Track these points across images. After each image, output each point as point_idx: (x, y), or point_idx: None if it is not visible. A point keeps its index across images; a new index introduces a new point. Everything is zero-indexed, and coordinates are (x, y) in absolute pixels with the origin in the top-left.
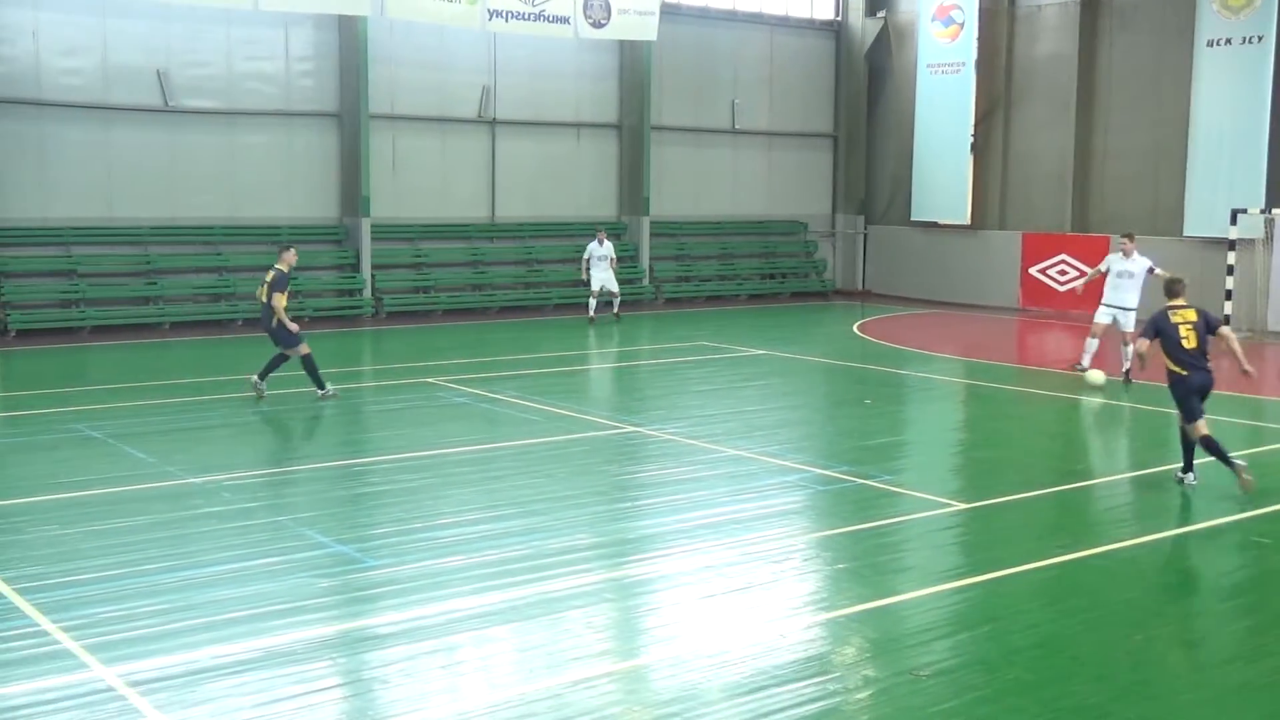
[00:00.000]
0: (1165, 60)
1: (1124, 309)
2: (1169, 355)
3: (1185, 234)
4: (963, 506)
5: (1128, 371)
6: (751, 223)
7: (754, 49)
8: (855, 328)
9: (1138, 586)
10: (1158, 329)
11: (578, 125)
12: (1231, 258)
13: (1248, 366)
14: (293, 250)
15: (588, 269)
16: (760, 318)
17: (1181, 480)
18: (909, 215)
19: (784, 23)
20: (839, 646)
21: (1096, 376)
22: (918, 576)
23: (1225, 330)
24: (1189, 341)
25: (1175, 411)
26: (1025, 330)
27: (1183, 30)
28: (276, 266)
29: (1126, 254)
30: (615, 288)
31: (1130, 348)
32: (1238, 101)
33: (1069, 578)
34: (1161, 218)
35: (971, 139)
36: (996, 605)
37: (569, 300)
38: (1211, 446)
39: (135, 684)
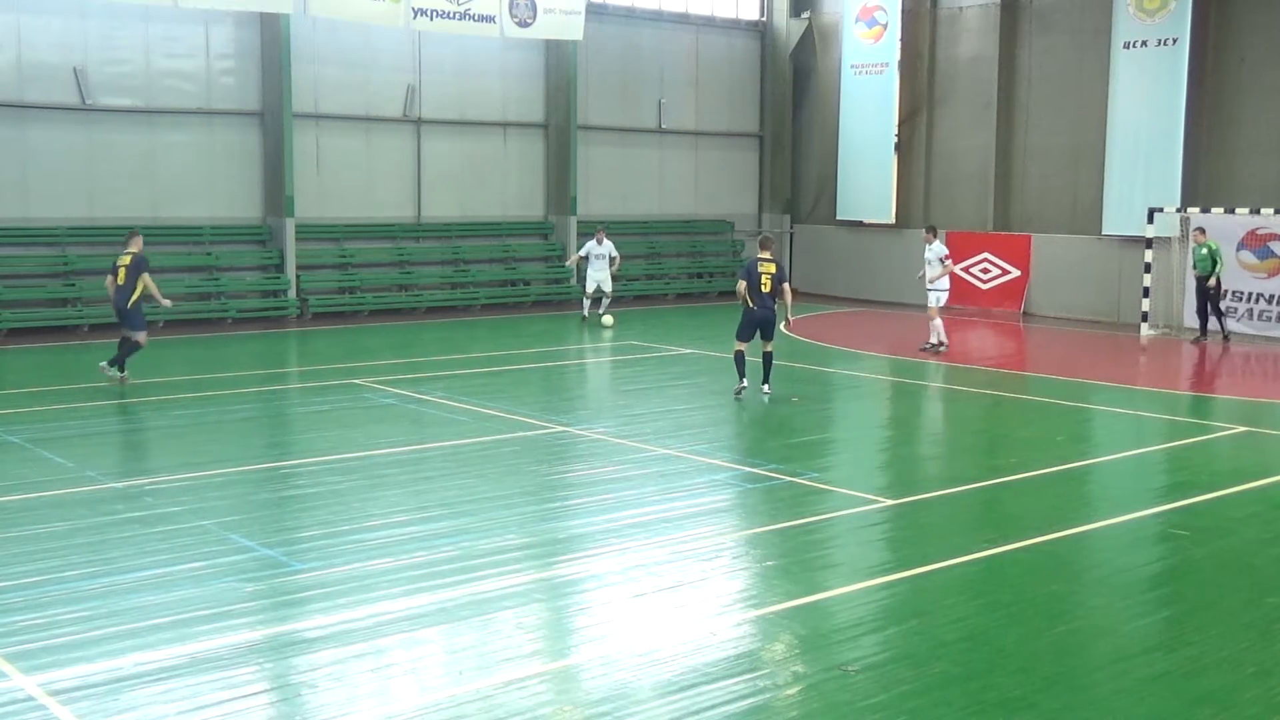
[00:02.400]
0: (1083, 62)
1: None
2: (750, 293)
3: (1104, 232)
4: (890, 503)
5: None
6: (678, 222)
7: (680, 49)
8: (782, 326)
9: (1061, 579)
10: (748, 273)
11: (504, 125)
12: (1149, 256)
13: (790, 317)
14: (140, 236)
15: (580, 265)
16: (688, 317)
17: (738, 393)
18: (834, 214)
19: (710, 23)
20: (769, 643)
21: (607, 319)
22: (846, 572)
23: (787, 286)
24: (765, 286)
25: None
26: (949, 328)
27: (1100, 32)
28: (130, 251)
29: (928, 244)
30: (609, 288)
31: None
32: (1154, 102)
33: (994, 572)
34: (1080, 216)
35: (895, 139)
36: (923, 600)
37: (495, 300)
38: (738, 359)
39: (56, 693)
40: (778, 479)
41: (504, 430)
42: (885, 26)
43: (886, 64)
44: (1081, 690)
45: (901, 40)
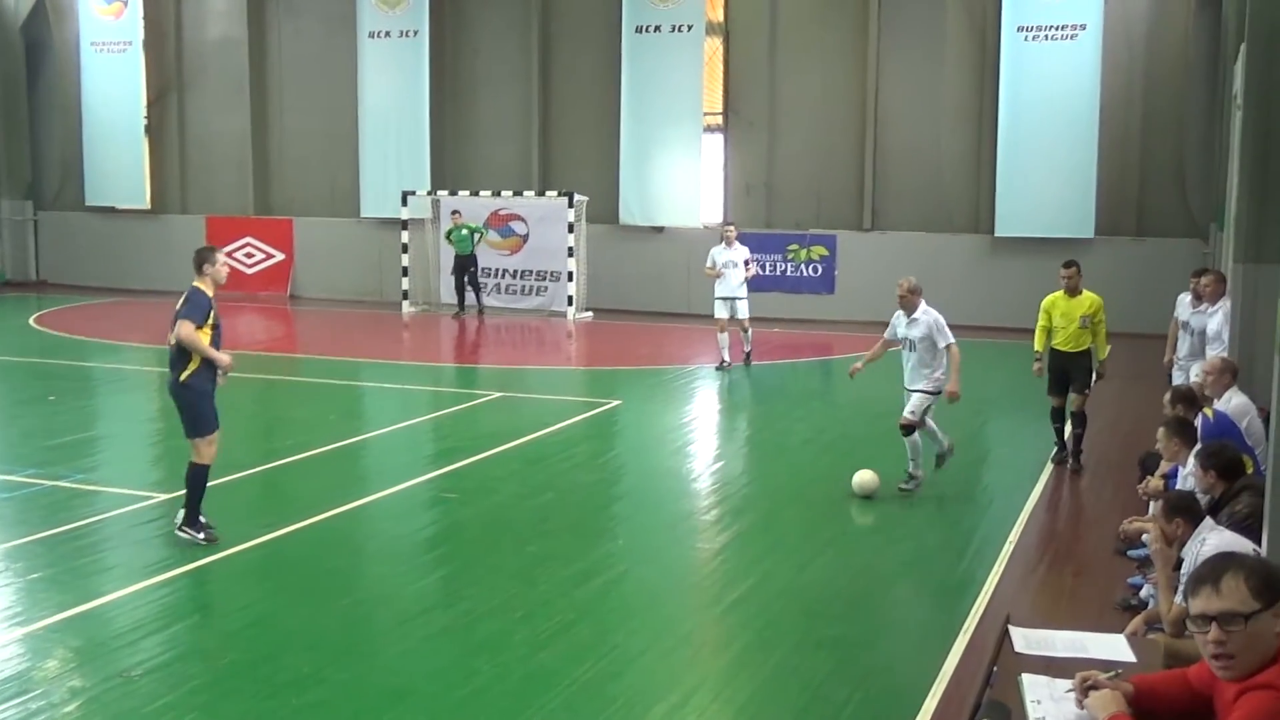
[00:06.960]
0: (333, 49)
1: (738, 298)
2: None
3: (363, 215)
4: (164, 498)
5: (748, 354)
6: None
7: None
8: (32, 320)
9: (342, 554)
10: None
11: None
12: (405, 236)
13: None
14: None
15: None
16: None
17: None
18: (84, 200)
19: None
20: (40, 661)
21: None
22: (122, 574)
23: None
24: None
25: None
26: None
27: (346, 21)
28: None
29: (729, 244)
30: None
31: (749, 333)
32: (400, 91)
33: (277, 555)
34: (340, 200)
35: (145, 120)
36: (207, 592)
37: None
38: None
39: None
40: (38, 484)
41: None
42: (126, 4)
43: (130, 42)
44: (368, 657)
45: (145, 18)
